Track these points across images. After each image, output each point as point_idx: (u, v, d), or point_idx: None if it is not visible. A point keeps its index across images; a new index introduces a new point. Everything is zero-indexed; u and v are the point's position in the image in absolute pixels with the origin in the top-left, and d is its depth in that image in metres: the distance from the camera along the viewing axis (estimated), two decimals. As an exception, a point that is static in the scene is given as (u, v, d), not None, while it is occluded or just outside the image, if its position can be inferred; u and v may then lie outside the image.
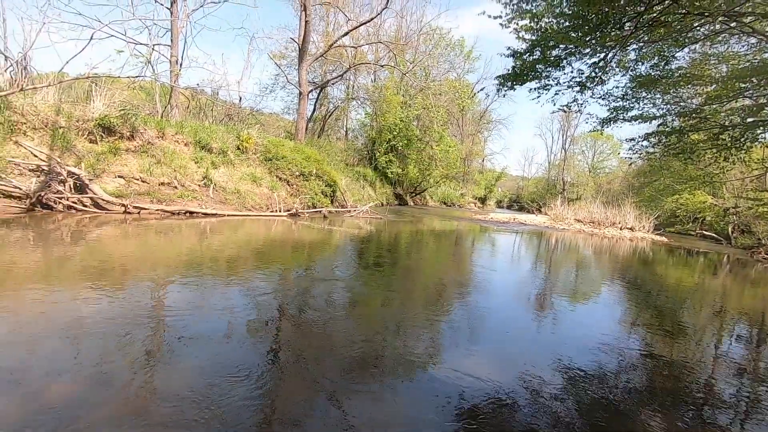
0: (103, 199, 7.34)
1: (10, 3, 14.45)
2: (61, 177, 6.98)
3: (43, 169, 6.95)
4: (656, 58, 7.88)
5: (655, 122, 10.35)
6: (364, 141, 25.80)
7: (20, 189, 6.60)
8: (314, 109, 23.71)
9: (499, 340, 3.19)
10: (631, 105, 9.35)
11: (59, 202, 6.88)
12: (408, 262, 6.34)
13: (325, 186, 13.20)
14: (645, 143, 10.76)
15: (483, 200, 44.67)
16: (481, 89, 27.18)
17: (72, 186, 7.16)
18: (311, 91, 20.97)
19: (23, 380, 1.84)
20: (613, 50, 6.83)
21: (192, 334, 2.55)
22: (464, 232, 13.32)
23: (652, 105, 9.74)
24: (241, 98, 17.40)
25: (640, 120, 9.66)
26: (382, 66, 22.63)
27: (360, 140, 26.80)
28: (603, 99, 9.25)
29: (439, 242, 9.92)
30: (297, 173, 12.26)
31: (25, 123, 7.32)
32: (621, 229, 18.35)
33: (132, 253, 4.90)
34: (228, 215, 9.15)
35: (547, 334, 3.48)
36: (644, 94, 9.13)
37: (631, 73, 8.46)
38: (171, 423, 1.64)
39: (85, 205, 7.21)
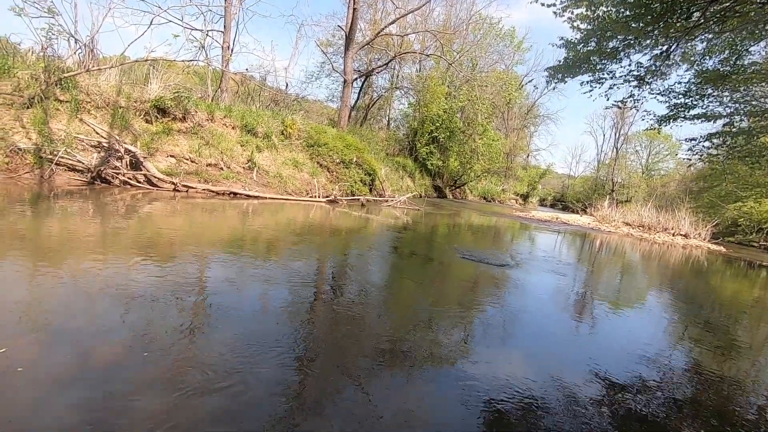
0: (156, 177, 7.76)
1: (81, -11, 15.41)
2: (119, 154, 7.43)
3: (104, 146, 7.43)
4: (727, 51, 7.25)
5: (719, 122, 9.58)
6: (406, 131, 25.69)
7: (83, 163, 7.10)
8: (358, 98, 23.81)
9: (533, 342, 3.09)
10: (695, 102, 8.67)
11: (116, 177, 7.35)
12: (443, 255, 6.28)
13: (365, 174, 13.28)
14: (707, 144, 9.98)
15: (525, 197, 43.38)
16: (530, 81, 26.15)
17: (128, 163, 7.61)
18: (356, 79, 21.05)
19: (73, 339, 1.98)
20: (678, 42, 6.34)
21: (229, 308, 2.65)
22: (503, 228, 13.01)
23: (718, 103, 9.00)
24: (287, 85, 17.78)
25: (703, 119, 8.95)
26: (428, 55, 22.30)
27: (402, 130, 26.72)
28: (663, 95, 8.64)
29: (477, 237, 9.74)
30: (338, 160, 12.41)
31: (89, 102, 7.84)
32: (674, 235, 17.26)
33: (179, 228, 5.15)
34: (269, 198, 9.42)
35: (585, 341, 3.33)
36: (710, 90, 8.43)
37: (696, 67, 7.84)
38: (202, 392, 1.72)
39: (139, 182, 7.65)
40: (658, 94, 8.56)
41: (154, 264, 3.31)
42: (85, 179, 7.08)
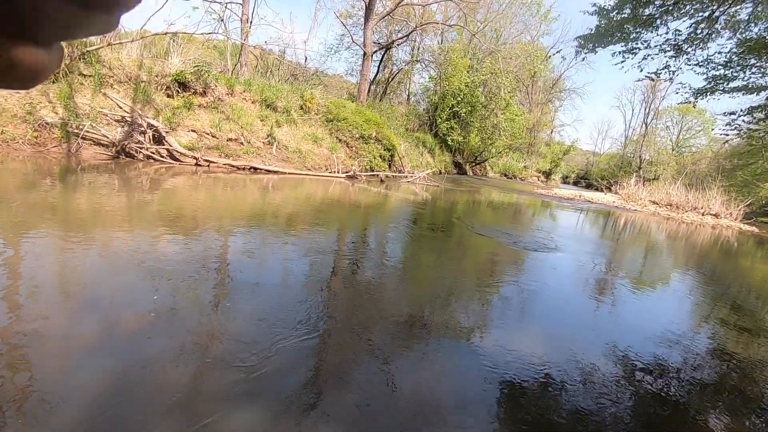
0: (178, 151, 7.85)
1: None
2: (142, 128, 7.52)
3: (127, 120, 7.52)
4: (775, 17, 6.71)
5: (762, 94, 8.98)
6: (426, 106, 25.19)
7: (107, 137, 7.22)
8: (377, 71, 23.35)
9: (552, 320, 3.04)
10: (735, 74, 8.13)
11: (140, 152, 7.46)
12: (462, 232, 6.21)
13: (384, 150, 13.15)
14: (747, 118, 9.40)
15: (547, 174, 42.33)
16: (557, 52, 25.07)
17: (151, 137, 7.70)
18: (375, 51, 20.60)
19: (102, 308, 2.04)
20: (723, 6, 5.89)
21: (252, 281, 2.68)
22: (524, 205, 12.78)
23: (761, 74, 8.42)
24: (306, 58, 17.56)
25: (744, 91, 8.40)
26: (450, 26, 21.57)
27: (422, 105, 26.20)
28: (700, 66, 8.13)
29: (497, 214, 9.60)
30: (357, 136, 12.30)
31: (112, 76, 7.90)
32: (703, 214, 16.65)
33: (202, 203, 5.23)
34: (289, 173, 9.44)
35: (605, 320, 3.26)
36: (753, 60, 7.87)
37: (740, 35, 7.30)
38: (227, 362, 1.75)
39: (162, 156, 7.75)
40: (695, 65, 8.06)
41: (180, 237, 3.36)
42: (110, 153, 7.21)
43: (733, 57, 7.68)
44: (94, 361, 1.62)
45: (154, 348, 1.76)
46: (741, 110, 9.26)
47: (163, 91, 8.59)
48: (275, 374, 1.71)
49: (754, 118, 9.32)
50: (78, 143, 6.88)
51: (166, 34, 9.13)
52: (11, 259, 2.46)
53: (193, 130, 8.61)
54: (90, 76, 7.57)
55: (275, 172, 9.14)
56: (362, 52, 17.34)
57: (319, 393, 1.64)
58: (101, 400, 1.41)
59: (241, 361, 1.76)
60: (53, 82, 7.13)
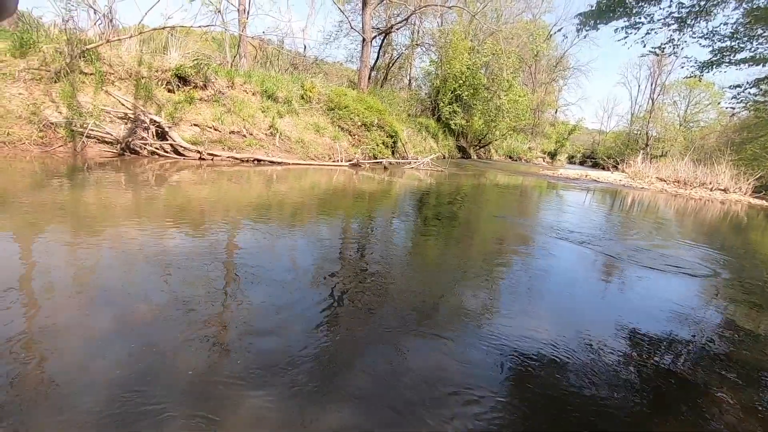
0: (182, 146, 7.90)
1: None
2: (145, 124, 7.56)
3: (130, 117, 7.57)
4: (784, -16, 6.53)
5: (769, 66, 8.79)
6: (428, 91, 24.95)
7: (111, 135, 7.28)
8: (377, 57, 23.09)
9: (560, 301, 3.07)
10: (742, 45, 7.95)
11: (144, 148, 7.52)
12: (468, 216, 6.23)
13: (387, 137, 13.10)
14: (753, 90, 9.22)
15: (553, 155, 41.95)
16: (559, 30, 24.63)
17: (154, 133, 7.75)
18: (375, 37, 20.33)
19: (115, 301, 2.10)
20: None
21: (260, 272, 2.73)
22: (529, 187, 12.73)
23: (768, 45, 8.22)
24: (305, 47, 17.41)
25: (751, 63, 8.22)
26: (450, 8, 21.20)
27: (423, 90, 25.94)
28: (706, 39, 7.94)
29: (502, 197, 9.58)
30: (359, 123, 12.25)
31: (112, 73, 7.92)
32: (711, 190, 16.46)
33: (208, 196, 5.28)
34: (293, 164, 9.47)
35: (614, 300, 3.28)
36: (760, 31, 7.68)
37: (746, 5, 7.12)
38: (239, 350, 1.81)
39: (166, 151, 7.81)
40: (700, 37, 7.88)
41: (187, 232, 3.42)
42: (115, 151, 7.28)
43: (739, 28, 7.50)
44: (111, 348, 1.68)
45: (169, 337, 1.82)
46: (747, 83, 9.08)
47: (164, 86, 8.60)
48: (284, 361, 1.76)
49: (761, 90, 9.13)
50: (83, 142, 6.94)
51: (164, 28, 9.11)
52: (27, 259, 2.53)
53: (196, 124, 8.64)
54: (91, 74, 7.60)
55: (279, 163, 9.17)
56: (361, 39, 17.15)
57: (326, 379, 1.70)
58: (121, 390, 1.47)
59: (249, 349, 1.82)
60: (55, 82, 7.17)
